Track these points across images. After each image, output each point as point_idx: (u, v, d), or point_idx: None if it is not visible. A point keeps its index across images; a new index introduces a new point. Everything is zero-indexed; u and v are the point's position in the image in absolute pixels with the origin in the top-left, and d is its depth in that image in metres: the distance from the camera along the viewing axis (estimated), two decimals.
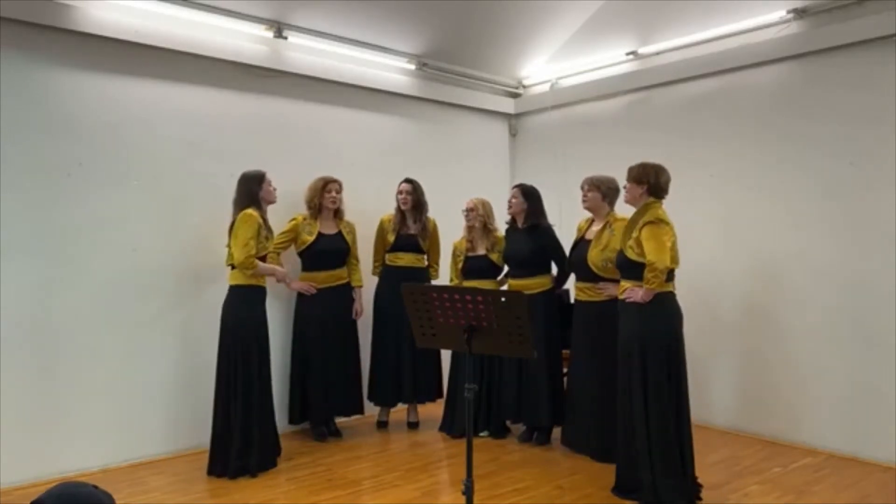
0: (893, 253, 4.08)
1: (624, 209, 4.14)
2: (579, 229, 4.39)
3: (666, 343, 3.42)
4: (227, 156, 4.54)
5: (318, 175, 4.70)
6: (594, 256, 4.09)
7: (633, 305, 3.47)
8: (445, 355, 4.92)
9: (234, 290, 4.01)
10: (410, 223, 4.94)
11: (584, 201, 4.25)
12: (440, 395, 5.01)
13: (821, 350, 4.38)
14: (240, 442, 3.89)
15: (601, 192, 4.18)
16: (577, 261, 4.27)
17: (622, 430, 3.57)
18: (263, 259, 4.08)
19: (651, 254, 3.38)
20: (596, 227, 4.22)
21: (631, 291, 3.50)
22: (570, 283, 4.71)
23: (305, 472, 4.02)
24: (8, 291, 3.77)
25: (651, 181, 3.55)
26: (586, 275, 4.17)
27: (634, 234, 3.50)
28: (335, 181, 4.68)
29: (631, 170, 3.64)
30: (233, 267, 4.00)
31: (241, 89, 4.72)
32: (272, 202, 4.16)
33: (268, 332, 4.11)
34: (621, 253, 3.61)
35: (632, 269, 3.50)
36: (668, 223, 3.48)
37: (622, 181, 4.06)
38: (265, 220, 4.10)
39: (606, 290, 4.05)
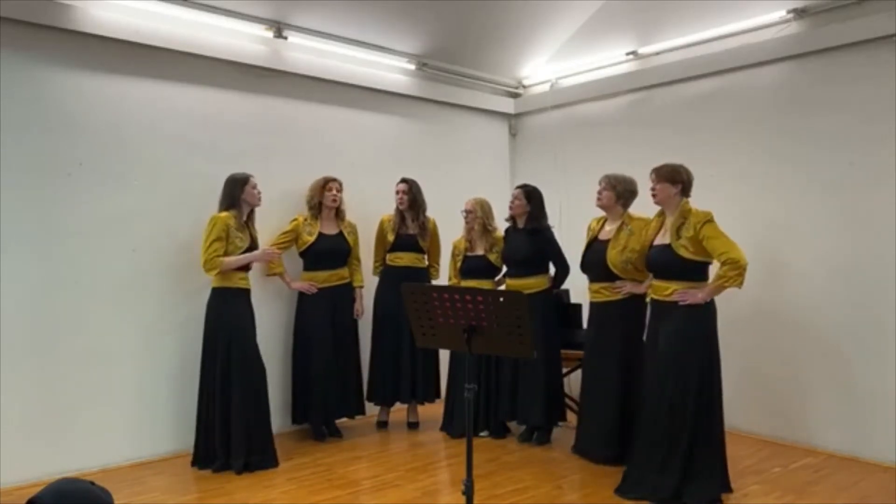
0: (893, 252, 4.08)
1: (640, 209, 4.14)
2: (590, 230, 4.34)
3: (710, 344, 3.46)
4: (228, 156, 4.53)
5: (319, 175, 4.71)
6: (613, 257, 4.04)
7: (683, 307, 3.45)
8: (444, 356, 4.92)
9: (213, 291, 4.09)
10: (409, 223, 4.94)
11: (598, 199, 4.20)
12: (438, 396, 5.01)
13: (821, 350, 4.38)
14: (222, 441, 3.96)
15: (616, 192, 4.13)
16: (593, 262, 4.18)
17: (651, 431, 3.53)
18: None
19: (730, 250, 3.37)
20: (609, 227, 4.18)
21: (684, 293, 3.46)
22: (570, 283, 4.72)
23: (305, 472, 4.02)
24: (8, 291, 3.77)
25: (685, 180, 3.60)
26: (603, 275, 4.11)
27: (688, 234, 3.48)
28: (335, 180, 4.69)
29: (660, 170, 3.64)
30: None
31: (241, 89, 4.72)
32: (255, 205, 4.20)
33: (251, 332, 4.12)
34: (669, 253, 3.54)
35: (681, 269, 3.49)
36: None
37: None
38: (247, 222, 4.18)
39: (624, 288, 4.02)
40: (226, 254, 4.01)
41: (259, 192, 4.18)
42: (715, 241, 3.42)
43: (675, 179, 3.60)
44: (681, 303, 3.47)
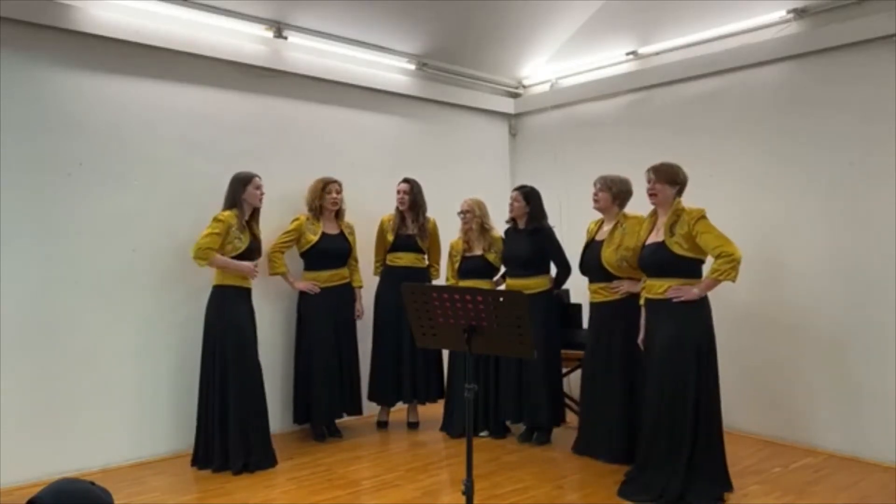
0: (893, 252, 4.08)
1: (635, 207, 4.14)
2: (589, 232, 4.34)
3: (707, 342, 3.45)
4: (227, 156, 4.54)
5: (319, 175, 4.71)
6: (608, 256, 4.05)
7: (679, 304, 3.45)
8: (446, 355, 4.92)
9: (215, 289, 4.07)
10: (409, 223, 4.94)
11: (594, 201, 4.21)
12: (441, 396, 5.01)
13: (821, 350, 4.38)
14: (221, 441, 3.94)
15: (612, 193, 4.13)
16: (589, 262, 4.20)
17: (652, 432, 3.54)
18: (247, 258, 4.10)
19: (726, 244, 3.38)
20: (606, 228, 4.19)
21: (677, 290, 3.46)
22: (570, 283, 4.72)
23: (305, 472, 4.02)
24: (8, 291, 3.77)
25: (683, 181, 3.60)
26: (600, 275, 4.12)
27: (682, 231, 3.48)
28: (335, 182, 4.68)
29: (658, 171, 3.62)
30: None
31: (241, 89, 4.72)
32: (256, 206, 4.17)
33: (251, 333, 4.11)
34: (663, 250, 3.54)
35: (675, 266, 3.49)
36: None
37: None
38: (249, 223, 4.15)
39: (622, 287, 4.02)
40: (222, 253, 4.00)
41: (261, 193, 4.16)
42: (708, 235, 3.43)
43: (674, 181, 3.61)
44: (675, 300, 3.47)
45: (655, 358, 3.55)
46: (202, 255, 3.96)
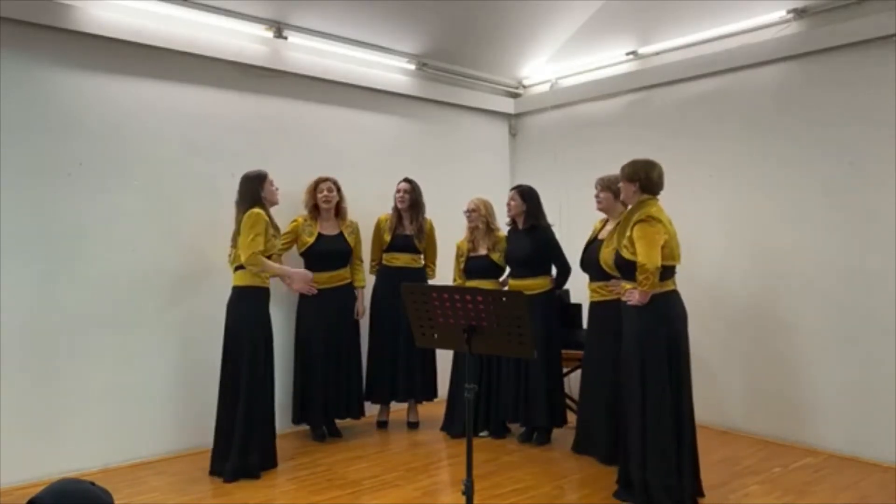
0: (893, 252, 4.08)
1: None
2: (594, 230, 4.35)
3: (666, 343, 3.39)
4: (227, 156, 4.54)
5: (318, 175, 4.71)
6: (606, 255, 4.03)
7: (633, 307, 3.45)
8: (441, 355, 4.91)
9: (236, 290, 3.98)
10: (407, 223, 4.94)
11: (597, 202, 4.22)
12: (435, 395, 5.02)
13: (821, 350, 4.38)
14: (239, 444, 3.86)
15: (613, 192, 4.12)
16: (589, 261, 4.22)
17: (623, 430, 3.57)
18: (271, 259, 4.05)
19: (641, 255, 3.33)
20: (609, 227, 4.19)
21: (629, 294, 3.47)
22: (570, 284, 4.72)
23: (305, 472, 4.02)
24: (8, 291, 3.77)
25: (642, 177, 3.51)
26: (599, 274, 4.12)
27: (628, 234, 3.47)
28: (326, 179, 4.67)
29: (623, 168, 3.62)
30: (237, 268, 3.97)
31: (241, 89, 4.72)
32: (275, 203, 4.13)
33: (271, 334, 4.07)
34: (618, 253, 3.59)
35: (628, 269, 3.48)
36: (660, 220, 3.41)
37: None
38: (271, 220, 4.08)
39: (616, 288, 4.02)
40: (262, 252, 3.90)
41: (277, 189, 4.11)
42: (639, 242, 3.37)
43: (631, 178, 3.54)
44: (630, 302, 3.47)
45: (621, 358, 3.60)
46: (254, 260, 3.84)
